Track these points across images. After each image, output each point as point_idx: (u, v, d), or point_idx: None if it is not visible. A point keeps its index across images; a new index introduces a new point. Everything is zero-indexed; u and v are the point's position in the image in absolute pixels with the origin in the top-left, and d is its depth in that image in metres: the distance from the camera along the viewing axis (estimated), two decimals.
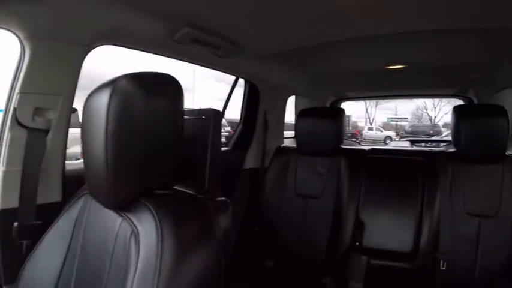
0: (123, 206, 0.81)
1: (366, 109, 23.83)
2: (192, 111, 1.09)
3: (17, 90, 1.15)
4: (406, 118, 23.24)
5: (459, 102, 3.05)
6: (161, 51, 1.61)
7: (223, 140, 2.53)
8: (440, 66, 2.23)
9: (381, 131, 20.22)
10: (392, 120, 23.37)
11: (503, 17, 1.36)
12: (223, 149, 2.34)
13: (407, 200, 1.94)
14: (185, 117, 0.92)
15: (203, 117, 1.05)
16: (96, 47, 1.31)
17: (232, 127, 2.77)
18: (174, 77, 0.87)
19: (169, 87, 0.85)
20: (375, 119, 24.04)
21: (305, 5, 1.29)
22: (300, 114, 2.26)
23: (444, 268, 1.72)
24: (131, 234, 0.76)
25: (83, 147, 0.86)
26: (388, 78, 2.59)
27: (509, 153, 1.81)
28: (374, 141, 15.73)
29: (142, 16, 1.33)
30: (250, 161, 2.38)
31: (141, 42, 1.50)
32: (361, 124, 23.73)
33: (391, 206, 1.98)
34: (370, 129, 20.91)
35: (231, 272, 1.91)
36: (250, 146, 2.40)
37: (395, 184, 2.02)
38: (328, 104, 3.16)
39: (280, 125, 2.67)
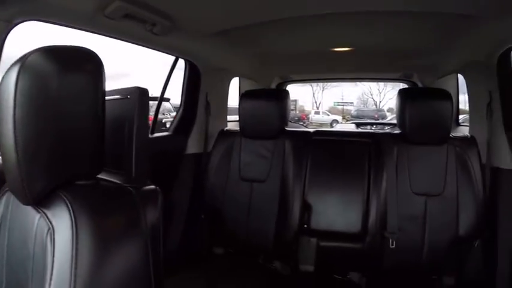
0: (39, 200, 0.70)
1: (313, 93, 24.31)
2: (115, 91, 0.98)
3: None
4: (352, 103, 23.89)
5: (404, 87, 3.16)
6: (91, 27, 1.49)
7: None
8: (386, 50, 2.25)
9: (328, 115, 20.67)
10: (338, 105, 23.98)
11: (447, 2, 1.39)
12: (164, 134, 2.27)
13: (354, 181, 1.95)
14: (107, 98, 0.81)
15: (128, 96, 0.94)
16: (20, 23, 1.20)
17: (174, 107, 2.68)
18: (93, 51, 0.75)
19: (88, 62, 0.74)
20: (321, 103, 24.59)
21: None
22: (243, 95, 2.21)
23: (393, 247, 1.75)
24: (47, 232, 0.67)
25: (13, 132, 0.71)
26: (334, 61, 2.60)
27: (453, 135, 1.86)
28: (321, 124, 16.05)
29: None
30: (193, 145, 2.32)
31: (69, 18, 1.39)
32: (308, 108, 24.16)
33: (337, 187, 1.97)
34: (317, 113, 21.20)
35: (178, 262, 1.87)
36: (192, 130, 2.33)
37: (341, 166, 2.02)
38: (273, 87, 3.13)
39: (223, 107, 2.61)
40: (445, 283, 1.77)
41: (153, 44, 1.81)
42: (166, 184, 2.11)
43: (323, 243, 1.89)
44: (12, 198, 0.87)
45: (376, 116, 17.49)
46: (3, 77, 0.68)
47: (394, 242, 1.75)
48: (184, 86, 2.33)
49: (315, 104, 24.59)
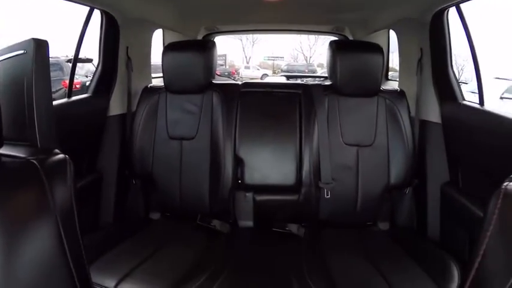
0: None
1: (243, 48, 24.17)
2: (7, 49, 0.83)
3: None
4: (283, 57, 24.09)
5: None
6: None
7: None
8: (318, 1, 2.23)
9: (258, 70, 20.79)
10: (269, 59, 24.13)
11: None
12: (82, 96, 2.08)
13: (286, 133, 1.95)
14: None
15: (23, 51, 0.79)
16: None
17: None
18: None
19: None
20: (251, 58, 24.56)
21: None
22: (165, 48, 2.12)
23: (328, 197, 1.82)
24: None
25: None
26: (264, 11, 2.55)
27: (383, 88, 1.93)
28: (251, 79, 16.15)
29: None
30: (115, 106, 2.18)
31: None
32: (238, 63, 24.06)
33: (269, 140, 1.97)
34: (247, 68, 21.21)
35: (114, 233, 1.81)
36: (113, 90, 2.18)
37: (272, 118, 2.01)
38: (199, 38, 3.06)
39: (146, 62, 2.49)
40: (380, 228, 1.89)
41: None
42: (91, 151, 1.99)
43: (259, 198, 1.91)
44: None
45: (307, 70, 17.91)
46: None
47: (329, 192, 1.82)
48: (102, 40, 2.15)
49: (245, 59, 24.50)
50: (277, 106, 2.05)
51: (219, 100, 2.02)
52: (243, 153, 1.96)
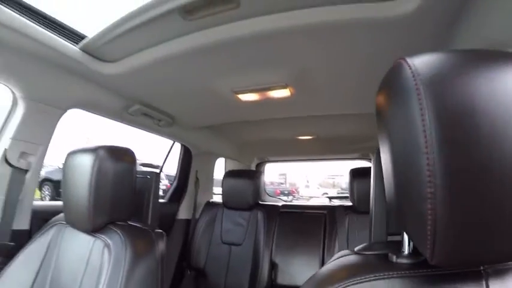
0: (97, 230, 1.17)
1: (303, 168, 24.54)
2: (142, 172, 1.53)
3: (9, 135, 1.40)
4: (343, 175, 23.92)
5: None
6: (118, 119, 1.92)
7: (160, 193, 2.83)
8: (345, 137, 2.60)
9: (318, 188, 20.71)
10: (330, 178, 24.18)
11: None
12: (160, 201, 2.58)
13: (311, 245, 2.28)
14: (138, 176, 1.33)
15: (148, 176, 1.51)
16: (69, 109, 1.60)
17: (169, 180, 3.11)
18: (131, 149, 1.28)
19: (128, 156, 1.26)
20: (312, 176, 24.70)
21: (216, 97, 1.71)
22: (225, 175, 2.61)
23: None
24: (104, 246, 1.12)
25: (65, 190, 1.21)
26: (301, 146, 2.97)
27: None
28: (311, 197, 16.11)
29: (105, 93, 1.66)
30: (183, 212, 2.66)
31: (103, 112, 1.80)
32: (299, 182, 24.26)
33: (298, 250, 2.30)
34: (307, 186, 21.53)
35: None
36: (183, 200, 2.68)
37: (302, 233, 2.36)
38: (253, 166, 3.51)
39: (210, 182, 2.98)
40: None
41: (159, 132, 2.24)
42: None
43: None
44: (64, 229, 1.31)
45: None
46: (78, 157, 1.19)
47: None
48: (179, 164, 2.74)
49: (305, 177, 24.76)
50: (306, 224, 2.41)
51: (263, 217, 2.44)
52: (277, 259, 2.31)
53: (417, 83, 0.43)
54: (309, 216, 2.49)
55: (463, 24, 0.88)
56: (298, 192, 17.82)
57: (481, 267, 0.51)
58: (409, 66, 0.45)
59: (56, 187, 6.10)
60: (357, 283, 0.54)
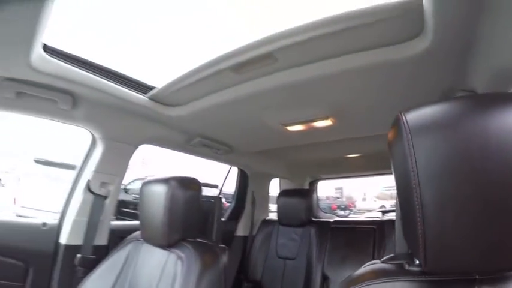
0: (172, 245, 1.36)
1: (359, 181, 23.92)
2: (206, 196, 1.75)
3: (92, 169, 1.67)
4: None
5: None
6: (182, 150, 2.19)
7: None
8: (385, 155, 2.64)
9: (375, 201, 20.12)
10: (387, 190, 23.44)
11: None
12: (221, 219, 2.74)
13: (361, 259, 2.24)
14: (203, 199, 1.53)
15: (211, 200, 1.75)
16: (140, 145, 1.86)
17: (226, 199, 3.31)
18: (196, 179, 1.48)
19: (194, 184, 1.47)
20: (369, 188, 24.10)
21: (267, 129, 1.88)
22: (279, 194, 2.78)
23: None
24: (178, 258, 1.31)
25: (143, 213, 1.42)
26: (349, 164, 3.06)
27: None
28: (368, 211, 15.69)
29: (170, 130, 1.90)
30: (241, 229, 2.84)
31: (169, 145, 2.06)
32: (356, 195, 23.73)
33: (349, 263, 2.39)
34: (363, 199, 21.03)
35: None
36: (241, 218, 2.87)
37: (352, 248, 2.46)
38: (306, 184, 3.62)
39: (265, 201, 3.15)
40: None
41: (218, 159, 2.47)
42: None
43: None
44: (141, 245, 1.48)
45: None
46: (152, 187, 1.37)
47: None
48: (237, 185, 2.94)
49: (362, 190, 24.15)
50: (357, 239, 2.51)
51: (315, 233, 2.56)
52: (329, 272, 2.42)
53: (407, 134, 0.59)
54: (359, 231, 2.58)
55: (474, 55, 1.00)
56: (355, 206, 17.40)
57: (476, 276, 0.63)
58: (404, 119, 0.60)
59: (117, 206, 6.44)
60: (374, 284, 0.72)
